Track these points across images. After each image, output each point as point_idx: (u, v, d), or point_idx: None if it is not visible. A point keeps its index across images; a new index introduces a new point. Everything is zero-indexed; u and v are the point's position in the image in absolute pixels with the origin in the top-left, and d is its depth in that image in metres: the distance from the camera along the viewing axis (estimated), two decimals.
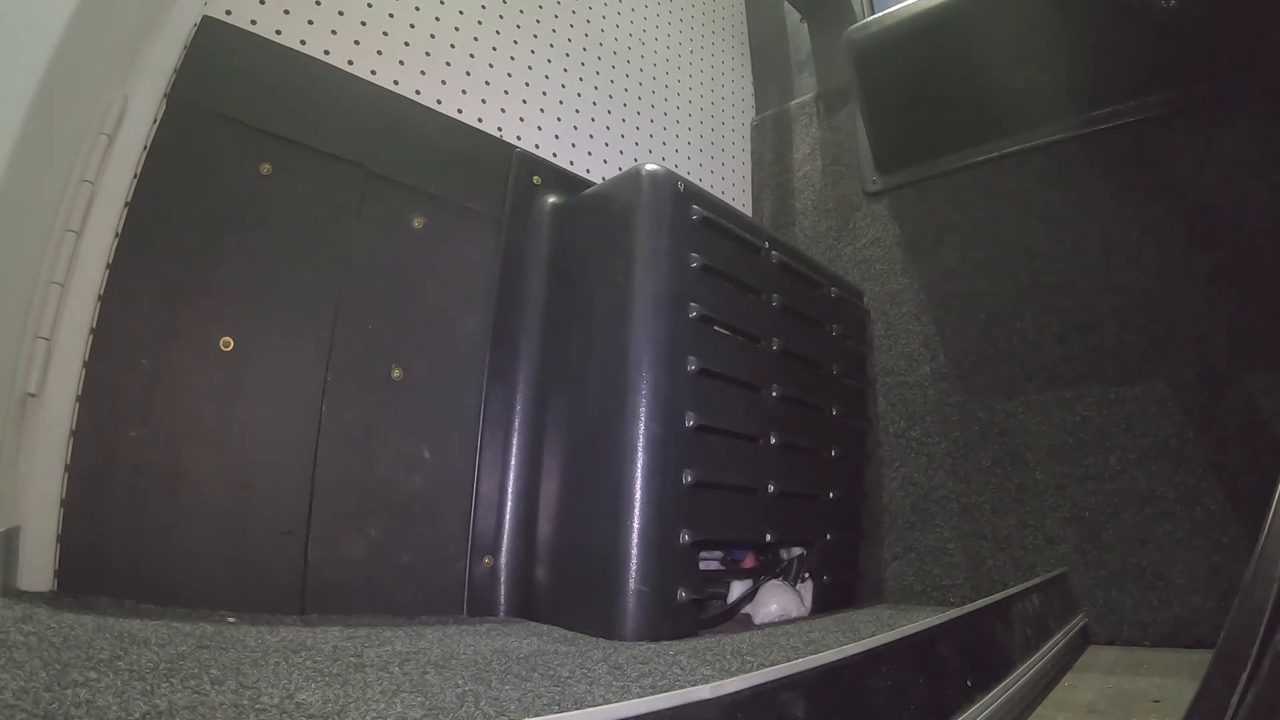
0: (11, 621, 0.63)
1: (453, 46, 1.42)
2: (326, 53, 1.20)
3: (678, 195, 1.16)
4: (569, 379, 1.19)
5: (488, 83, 1.47)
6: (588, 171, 1.61)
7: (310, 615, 0.98)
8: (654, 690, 0.62)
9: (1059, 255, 1.52)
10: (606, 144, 1.71)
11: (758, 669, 0.55)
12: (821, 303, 1.50)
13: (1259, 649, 0.45)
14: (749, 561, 1.30)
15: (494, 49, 1.50)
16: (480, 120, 1.43)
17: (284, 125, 1.09)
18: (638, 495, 1.00)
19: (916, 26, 1.53)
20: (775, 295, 1.31)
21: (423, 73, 1.35)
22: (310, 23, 1.19)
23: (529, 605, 1.14)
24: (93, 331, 0.88)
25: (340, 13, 1.24)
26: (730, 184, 2.09)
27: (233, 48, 1.06)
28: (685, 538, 1.03)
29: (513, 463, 1.22)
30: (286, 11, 1.17)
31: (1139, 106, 1.46)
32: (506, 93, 1.50)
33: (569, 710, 0.46)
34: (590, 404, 1.12)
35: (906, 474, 1.63)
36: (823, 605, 1.34)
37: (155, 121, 0.97)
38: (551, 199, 1.37)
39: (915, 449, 1.63)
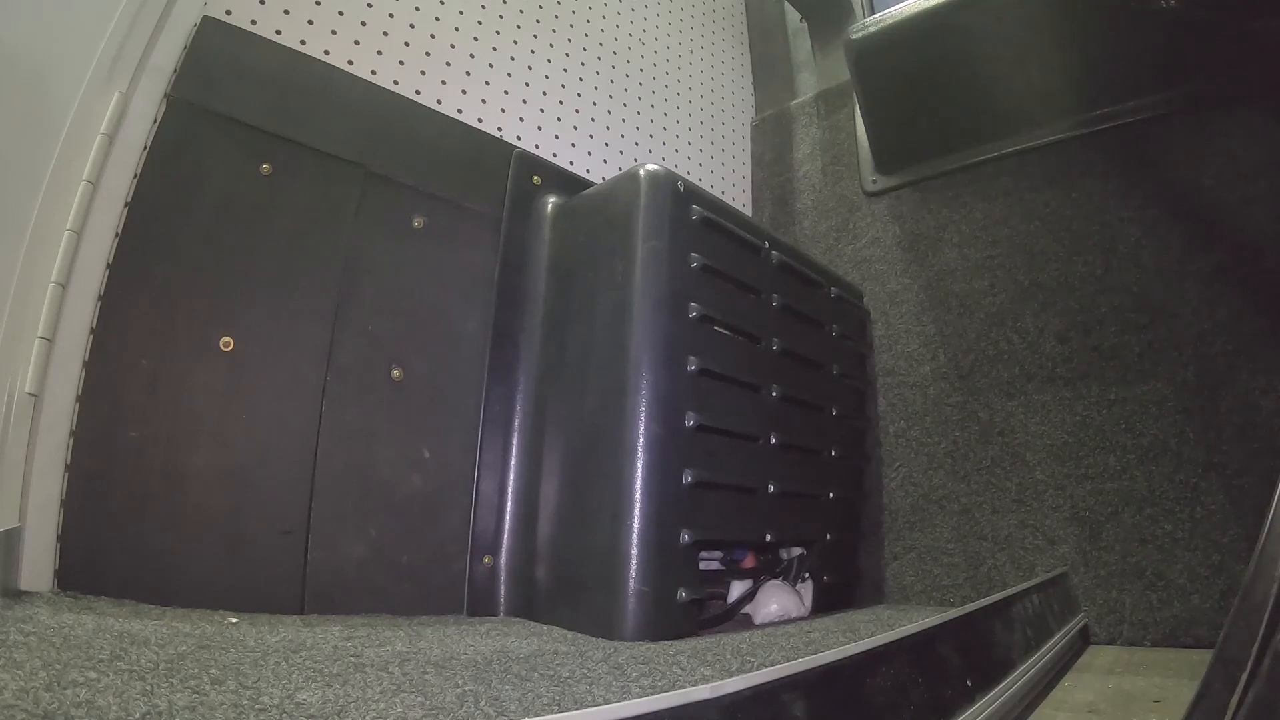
0: (11, 621, 0.63)
1: (453, 46, 1.42)
2: (326, 53, 1.20)
3: (678, 195, 1.16)
4: (569, 379, 1.19)
5: (488, 83, 1.47)
6: (588, 171, 1.61)
7: (310, 615, 0.98)
8: (654, 690, 0.62)
9: (1059, 255, 1.52)
10: (606, 144, 1.71)
11: (758, 669, 0.55)
12: (821, 303, 1.50)
13: (1259, 649, 0.45)
14: (749, 561, 1.30)
15: (494, 49, 1.50)
16: (480, 120, 1.43)
17: (284, 125, 1.09)
18: (638, 495, 1.00)
19: (916, 27, 1.53)
20: (775, 295, 1.31)
21: (423, 73, 1.35)
22: (310, 23, 1.19)
23: (529, 605, 1.14)
24: (93, 331, 0.88)
25: (340, 13, 1.24)
26: (730, 184, 2.09)
27: (232, 48, 1.06)
28: (685, 538, 1.03)
29: (513, 463, 1.22)
30: (286, 12, 1.17)
31: (1139, 106, 1.46)
32: (506, 93, 1.50)
33: (569, 710, 0.46)
34: (590, 404, 1.12)
35: (906, 474, 1.63)
36: (823, 605, 1.34)
37: (155, 121, 0.97)
38: (551, 199, 1.37)
39: (915, 449, 1.63)
